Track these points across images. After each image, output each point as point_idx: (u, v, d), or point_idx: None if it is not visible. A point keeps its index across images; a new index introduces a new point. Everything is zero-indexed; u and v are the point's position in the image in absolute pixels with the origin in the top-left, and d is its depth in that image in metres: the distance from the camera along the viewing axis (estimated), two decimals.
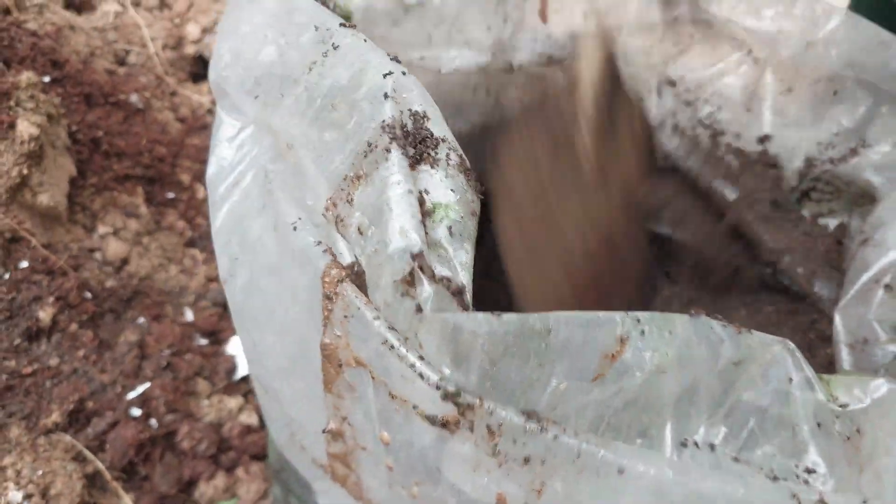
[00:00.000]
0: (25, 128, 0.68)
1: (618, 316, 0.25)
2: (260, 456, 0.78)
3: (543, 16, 0.53)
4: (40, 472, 0.62)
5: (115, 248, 0.80)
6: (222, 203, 0.36)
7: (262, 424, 0.81)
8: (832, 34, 0.51)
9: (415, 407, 0.25)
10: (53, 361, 0.69)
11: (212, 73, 0.37)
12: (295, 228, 0.30)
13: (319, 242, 0.29)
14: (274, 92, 0.33)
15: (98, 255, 0.79)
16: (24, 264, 0.69)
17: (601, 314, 0.25)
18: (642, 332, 0.26)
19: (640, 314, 0.26)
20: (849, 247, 0.56)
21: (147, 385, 0.73)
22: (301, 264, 0.30)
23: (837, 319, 0.46)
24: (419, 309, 0.24)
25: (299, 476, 0.42)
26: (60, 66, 0.85)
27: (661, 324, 0.26)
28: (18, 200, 0.71)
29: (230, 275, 0.37)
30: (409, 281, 0.25)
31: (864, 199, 0.56)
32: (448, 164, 0.27)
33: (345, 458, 0.32)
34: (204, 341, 0.82)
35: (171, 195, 0.89)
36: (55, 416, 0.66)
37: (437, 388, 0.24)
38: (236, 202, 0.35)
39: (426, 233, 0.26)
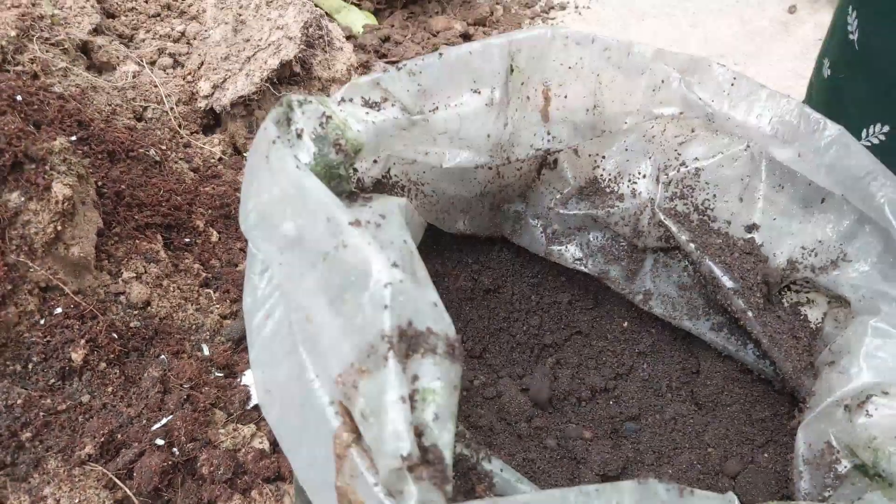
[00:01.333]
0: (60, 189, 0.76)
1: (571, 494, 0.30)
2: (272, 479, 0.85)
3: (546, 115, 0.56)
4: (76, 501, 0.70)
5: (138, 292, 0.88)
6: (257, 334, 0.42)
7: (274, 449, 0.88)
8: (825, 150, 0.53)
9: None
10: (85, 398, 0.77)
11: (242, 224, 0.43)
12: (313, 385, 0.36)
13: (332, 402, 0.35)
14: (296, 269, 0.38)
15: (123, 299, 0.87)
16: (59, 310, 0.77)
17: (558, 492, 0.30)
18: None
19: (591, 488, 0.31)
20: (819, 348, 0.58)
21: (170, 417, 0.80)
22: (319, 416, 0.36)
23: (800, 436, 0.50)
24: (405, 499, 0.31)
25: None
26: (85, 126, 0.94)
27: (609, 495, 0.31)
28: (52, 253, 0.79)
29: (265, 400, 0.42)
30: (401, 473, 0.31)
31: (840, 301, 0.59)
32: (436, 354, 0.33)
33: None
34: (219, 374, 0.89)
35: (187, 240, 0.97)
36: (88, 449, 0.74)
37: None
38: (267, 337, 0.41)
39: (414, 416, 0.32)
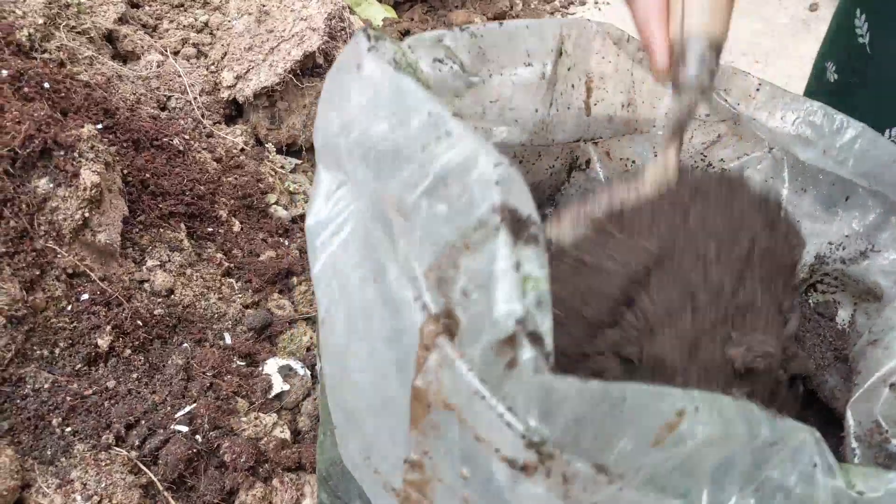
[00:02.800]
0: (88, 176, 0.77)
1: (678, 392, 0.30)
2: (293, 467, 0.85)
3: (587, 105, 0.56)
4: (103, 485, 0.70)
5: (162, 280, 0.88)
6: (322, 251, 0.41)
7: (295, 439, 0.88)
8: (849, 145, 0.54)
9: (497, 450, 0.30)
10: (111, 384, 0.78)
11: (319, 136, 0.41)
12: (395, 283, 0.34)
13: (418, 297, 0.33)
14: (387, 164, 0.36)
15: (147, 286, 0.88)
16: (85, 297, 0.78)
17: (666, 389, 0.30)
18: (696, 409, 0.30)
19: (696, 393, 0.30)
20: (854, 339, 0.58)
21: (193, 405, 0.81)
22: (399, 315, 0.34)
23: (849, 414, 0.50)
24: (515, 366, 0.29)
25: (353, 489, 0.48)
26: (111, 114, 0.94)
27: (711, 403, 0.30)
28: (80, 240, 0.80)
29: (327, 314, 0.41)
30: (511, 342, 0.29)
31: (870, 295, 0.59)
32: (538, 243, 0.32)
33: (421, 487, 0.36)
34: (241, 363, 0.90)
35: (210, 229, 0.97)
36: (114, 434, 0.74)
37: (523, 437, 0.28)
38: (335, 251, 0.40)
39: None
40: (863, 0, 0.70)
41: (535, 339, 0.29)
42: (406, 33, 1.49)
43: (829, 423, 0.55)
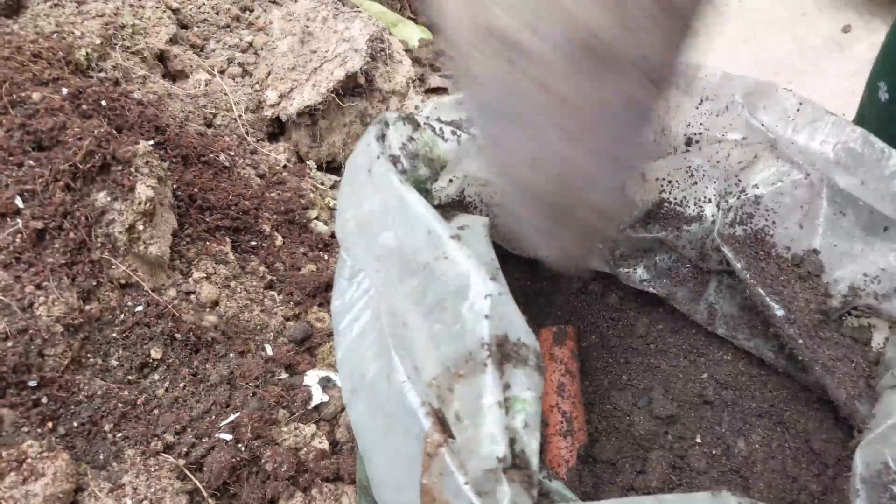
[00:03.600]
0: (143, 190, 0.80)
1: (648, 501, 0.32)
2: (331, 478, 0.86)
3: None
4: (153, 489, 0.72)
5: (207, 292, 0.91)
6: (344, 337, 0.44)
7: (334, 450, 0.90)
8: (889, 179, 0.53)
9: None
10: (160, 392, 0.80)
11: (339, 231, 0.45)
12: (404, 387, 0.38)
13: (424, 403, 0.37)
14: (394, 275, 0.40)
15: (193, 298, 0.90)
16: (139, 308, 0.81)
17: (639, 500, 0.33)
18: None
19: (669, 497, 0.33)
20: (882, 372, 0.58)
21: (237, 414, 0.83)
22: (408, 416, 0.37)
23: (858, 456, 0.49)
24: (497, 498, 0.32)
25: None
26: (162, 131, 0.98)
27: (685, 502, 0.33)
28: (133, 252, 0.82)
29: (350, 398, 0.44)
30: (494, 474, 0.33)
31: None
32: (528, 365, 0.35)
33: None
34: (283, 374, 0.92)
35: (253, 243, 1.00)
36: (162, 440, 0.77)
37: None
38: (355, 340, 0.43)
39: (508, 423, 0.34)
40: None
41: (518, 469, 0.33)
42: (441, 54, 1.52)
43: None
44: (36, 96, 0.82)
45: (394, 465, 0.41)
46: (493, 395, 0.34)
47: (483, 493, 0.33)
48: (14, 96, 0.81)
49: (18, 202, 0.75)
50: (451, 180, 0.56)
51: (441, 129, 0.52)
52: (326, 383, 0.94)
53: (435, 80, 1.45)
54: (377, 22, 1.14)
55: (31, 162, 0.77)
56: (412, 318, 0.39)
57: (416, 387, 0.38)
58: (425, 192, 0.50)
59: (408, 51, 1.48)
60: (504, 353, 0.36)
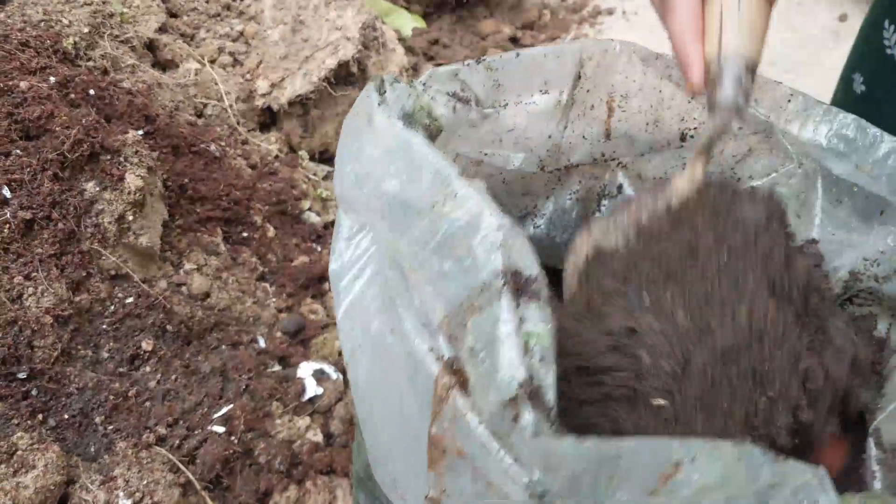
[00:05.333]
0: (132, 180, 0.79)
1: (674, 443, 0.31)
2: (325, 471, 0.86)
3: (608, 125, 0.57)
4: (145, 482, 0.72)
5: (198, 283, 0.90)
6: (345, 295, 0.43)
7: (328, 443, 0.89)
8: (883, 160, 0.53)
9: (507, 496, 0.32)
10: (152, 384, 0.79)
11: (337, 187, 0.44)
12: (412, 333, 0.37)
13: (432, 349, 0.36)
14: (400, 220, 0.39)
15: (184, 289, 0.89)
16: (129, 300, 0.80)
17: (661, 443, 0.31)
18: (693, 458, 0.31)
19: (694, 441, 0.32)
20: (887, 356, 0.58)
21: (229, 406, 0.82)
22: (416, 365, 0.37)
23: (871, 437, 0.50)
24: (519, 423, 0.31)
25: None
26: (152, 121, 0.97)
27: (710, 450, 0.31)
28: (123, 242, 0.81)
29: (352, 358, 0.44)
30: (514, 403, 0.32)
31: None
32: (540, 299, 0.34)
33: None
34: (276, 367, 0.91)
35: (245, 234, 0.99)
36: (154, 433, 0.76)
37: (527, 488, 0.31)
38: (357, 296, 0.43)
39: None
40: (892, 10, 0.70)
41: (537, 398, 0.32)
42: (435, 42, 1.51)
43: (866, 436, 0.54)
44: (23, 85, 0.81)
45: (400, 419, 0.40)
46: (511, 323, 0.33)
47: (499, 433, 0.32)
48: (1, 85, 0.80)
49: (6, 192, 0.74)
50: None
51: (436, 96, 0.51)
52: (320, 375, 0.94)
53: (428, 70, 1.44)
54: (370, 10, 1.12)
55: (18, 151, 0.76)
56: (420, 261, 0.38)
57: (423, 335, 0.37)
58: None
59: (401, 40, 1.47)
60: (519, 286, 0.35)
